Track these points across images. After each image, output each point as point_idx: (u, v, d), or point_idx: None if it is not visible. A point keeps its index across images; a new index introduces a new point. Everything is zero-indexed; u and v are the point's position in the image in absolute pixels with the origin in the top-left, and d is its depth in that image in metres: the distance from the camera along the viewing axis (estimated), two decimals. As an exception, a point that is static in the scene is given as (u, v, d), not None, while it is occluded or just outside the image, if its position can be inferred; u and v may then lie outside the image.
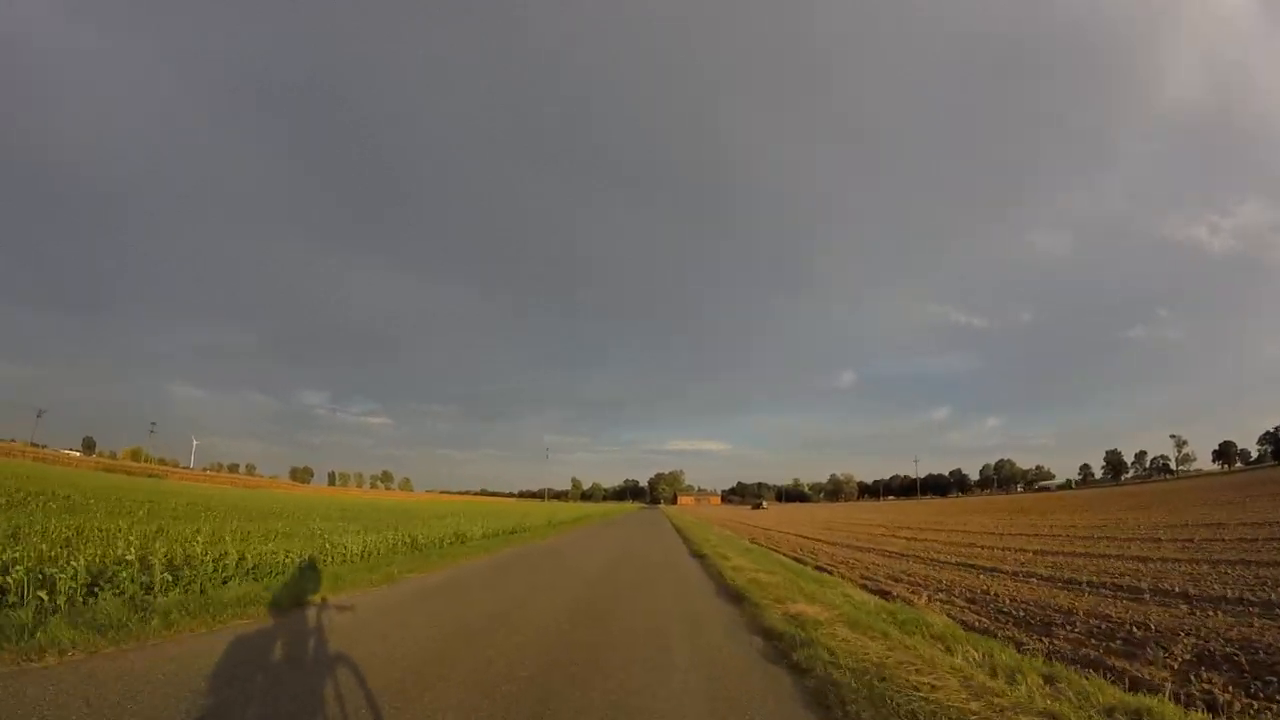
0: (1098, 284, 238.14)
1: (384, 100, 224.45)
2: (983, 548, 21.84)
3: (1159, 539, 20.97)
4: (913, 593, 11.78)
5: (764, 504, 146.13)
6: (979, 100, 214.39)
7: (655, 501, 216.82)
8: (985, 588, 12.72)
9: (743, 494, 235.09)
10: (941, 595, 11.74)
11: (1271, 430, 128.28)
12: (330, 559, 11.42)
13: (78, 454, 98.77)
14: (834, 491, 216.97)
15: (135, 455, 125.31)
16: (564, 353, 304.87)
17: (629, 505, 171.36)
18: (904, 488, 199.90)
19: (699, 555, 17.92)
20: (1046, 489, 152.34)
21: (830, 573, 15.23)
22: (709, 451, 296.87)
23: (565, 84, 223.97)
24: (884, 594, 11.72)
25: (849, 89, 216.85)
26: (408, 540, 15.39)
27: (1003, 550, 20.31)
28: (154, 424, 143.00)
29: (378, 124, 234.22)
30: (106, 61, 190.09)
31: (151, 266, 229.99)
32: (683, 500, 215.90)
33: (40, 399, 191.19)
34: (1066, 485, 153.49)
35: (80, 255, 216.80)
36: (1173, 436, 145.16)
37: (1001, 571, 15.30)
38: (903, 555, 20.59)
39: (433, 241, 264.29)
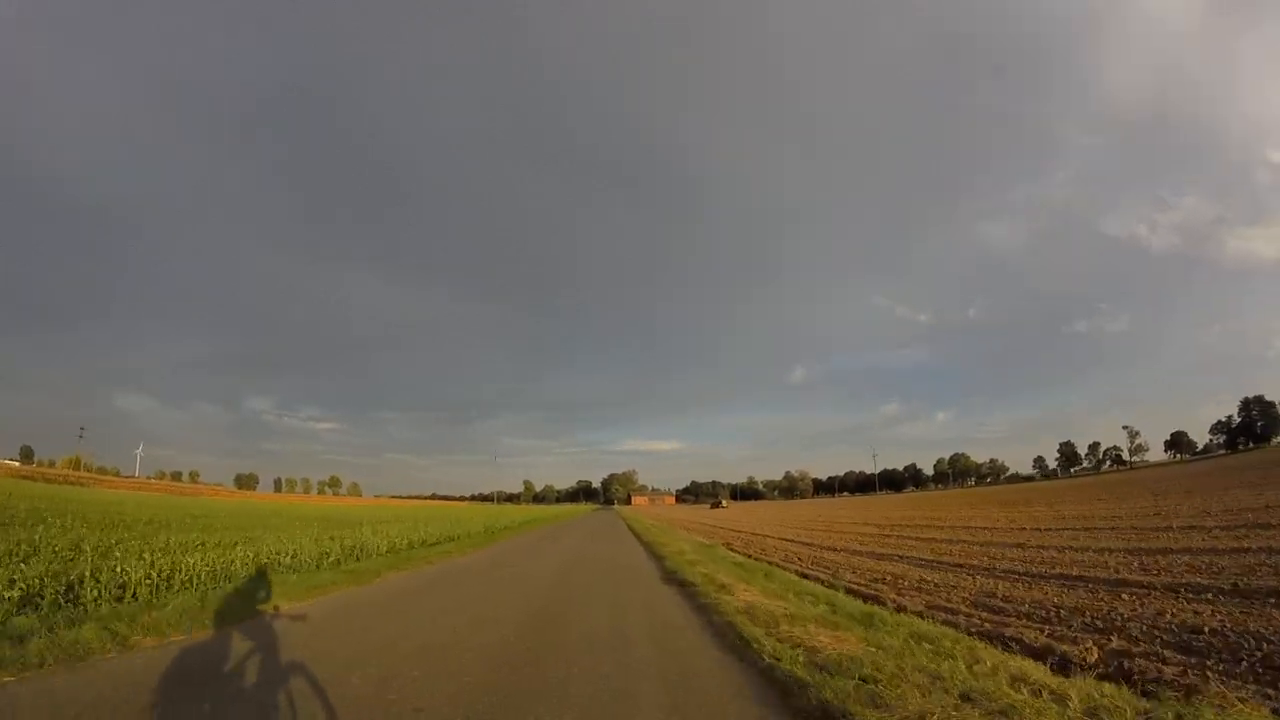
0: (1043, 279, 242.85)
1: (348, 103, 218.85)
2: (1044, 548, 17.36)
3: (1207, 526, 17.29)
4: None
5: (723, 503, 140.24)
6: (928, 98, 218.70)
7: (609, 502, 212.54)
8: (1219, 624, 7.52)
9: (697, 493, 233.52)
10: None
11: (1224, 419, 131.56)
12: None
13: (16, 463, 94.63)
14: (788, 489, 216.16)
15: (74, 464, 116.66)
16: (520, 356, 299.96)
17: (582, 507, 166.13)
18: (860, 483, 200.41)
19: (677, 579, 12.37)
20: (1017, 480, 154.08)
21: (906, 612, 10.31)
22: (662, 451, 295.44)
23: (534, 82, 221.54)
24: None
25: (804, 90, 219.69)
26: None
27: (1076, 552, 15.68)
28: (83, 429, 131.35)
29: (342, 127, 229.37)
30: (69, 64, 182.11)
31: (100, 275, 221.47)
32: (636, 500, 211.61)
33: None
34: (1029, 478, 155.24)
35: (29, 263, 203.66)
36: (1125, 428, 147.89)
37: (1184, 590, 9.78)
38: (971, 568, 14.85)
39: (387, 245, 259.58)
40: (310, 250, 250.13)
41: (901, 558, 17.41)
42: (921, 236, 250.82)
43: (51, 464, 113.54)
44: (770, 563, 16.77)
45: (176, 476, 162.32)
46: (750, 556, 18.51)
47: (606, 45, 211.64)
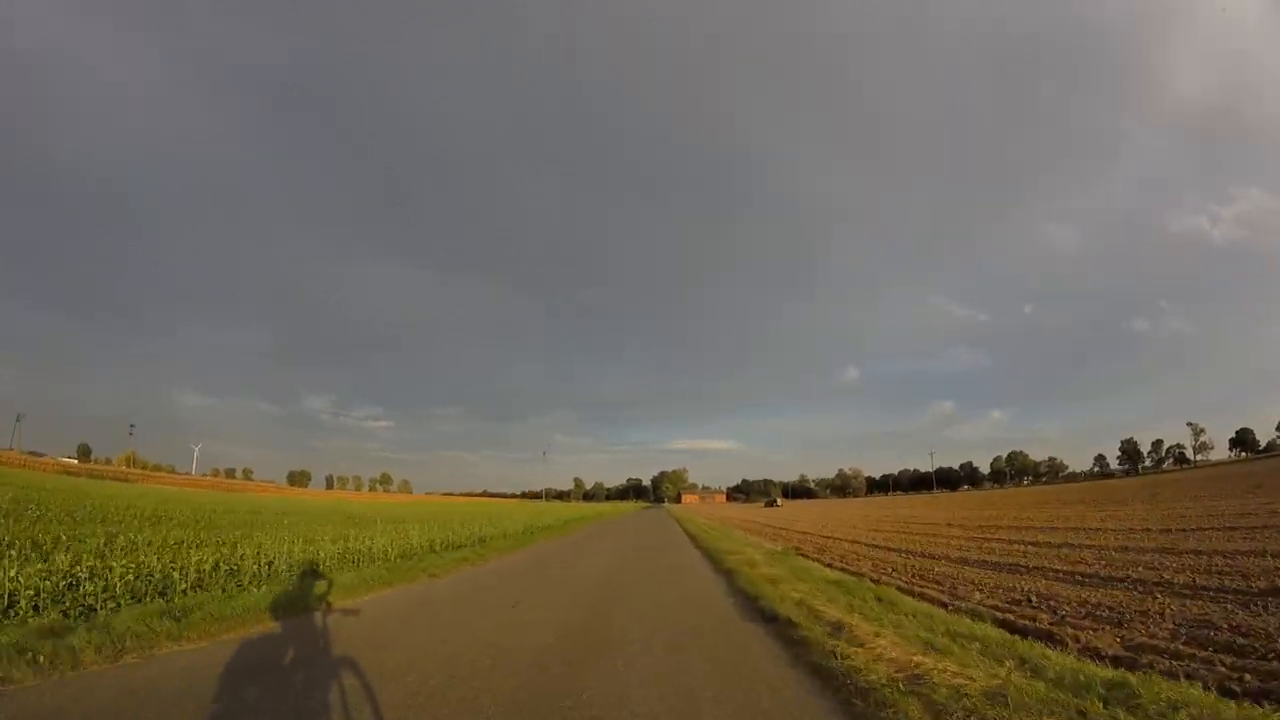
0: (1101, 277, 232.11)
1: (391, 99, 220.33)
2: (1201, 553, 14.38)
3: None
4: None
5: (777, 501, 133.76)
6: (986, 96, 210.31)
7: (659, 500, 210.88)
8: None
9: (748, 492, 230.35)
10: None
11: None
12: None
13: (75, 461, 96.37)
14: (841, 487, 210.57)
15: (129, 461, 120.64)
16: (572, 353, 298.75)
17: (631, 504, 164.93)
18: (913, 482, 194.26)
19: (760, 609, 9.15)
20: (1077, 479, 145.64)
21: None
22: (713, 450, 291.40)
23: (580, 86, 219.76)
24: None
25: (858, 89, 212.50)
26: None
27: (1258, 557, 12.84)
28: (133, 426, 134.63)
29: (386, 123, 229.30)
30: (111, 61, 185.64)
31: (155, 269, 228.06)
32: (687, 499, 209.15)
33: (39, 405, 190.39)
34: (1092, 476, 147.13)
35: (81, 256, 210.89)
36: (1189, 424, 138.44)
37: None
38: (1131, 582, 11.67)
39: (438, 241, 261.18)
40: (364, 245, 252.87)
41: (1026, 568, 14.60)
42: (979, 235, 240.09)
43: (108, 461, 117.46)
44: (866, 577, 14.33)
45: (230, 473, 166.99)
46: (834, 567, 16.20)
47: (645, 38, 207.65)
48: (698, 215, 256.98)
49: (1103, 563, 14.41)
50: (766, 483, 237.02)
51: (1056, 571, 13.85)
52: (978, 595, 11.22)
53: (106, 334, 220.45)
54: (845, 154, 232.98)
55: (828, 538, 27.68)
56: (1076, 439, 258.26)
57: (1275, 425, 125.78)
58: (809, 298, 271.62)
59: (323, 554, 11.94)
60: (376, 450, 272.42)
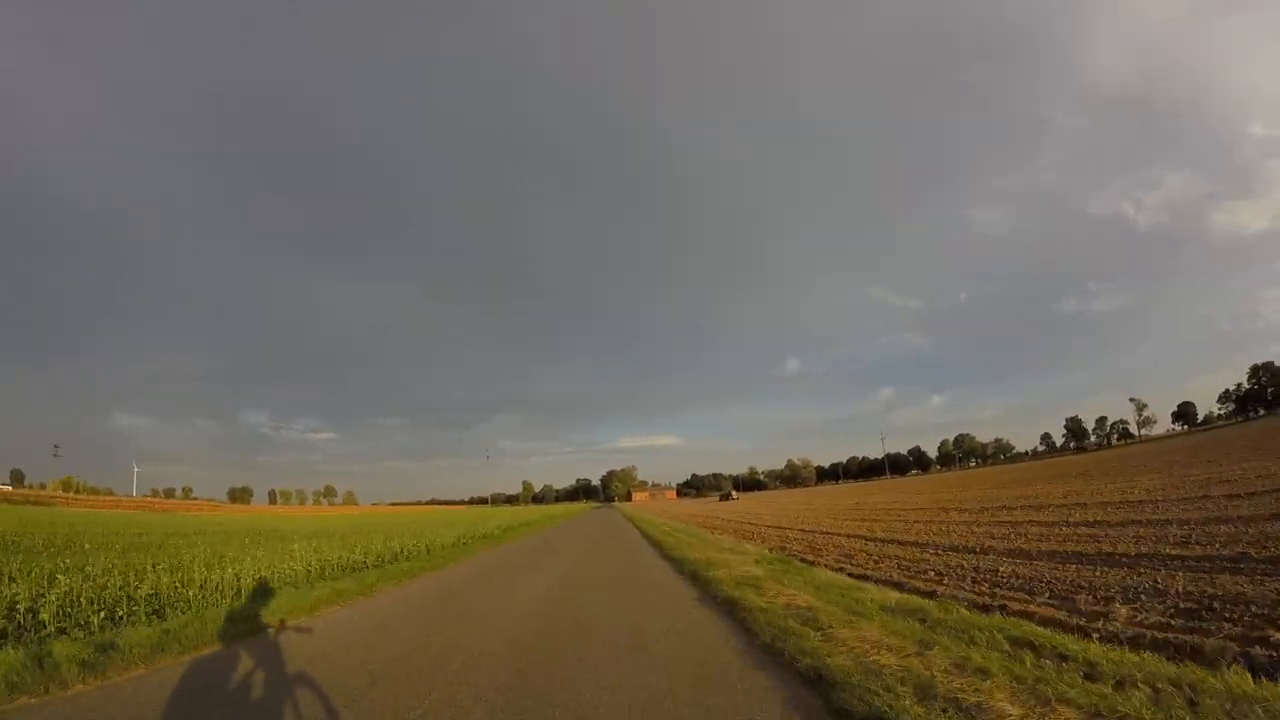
0: (1031, 261, 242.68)
1: (328, 111, 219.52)
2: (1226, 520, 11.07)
3: None
4: None
5: (732, 494, 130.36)
6: (912, 86, 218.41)
7: (609, 499, 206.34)
8: None
9: (699, 487, 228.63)
10: None
11: (1233, 388, 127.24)
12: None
13: (9, 488, 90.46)
14: (790, 478, 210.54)
15: (65, 486, 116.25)
16: (513, 359, 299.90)
17: (581, 505, 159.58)
18: (862, 469, 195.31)
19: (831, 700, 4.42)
20: (1022, 458, 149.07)
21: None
22: (660, 447, 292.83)
23: (514, 84, 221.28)
24: None
25: (787, 81, 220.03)
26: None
27: None
28: (57, 447, 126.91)
29: (322, 137, 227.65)
30: (45, 84, 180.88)
31: (90, 293, 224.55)
32: (637, 496, 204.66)
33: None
34: (1038, 454, 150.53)
35: (19, 282, 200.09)
36: (1132, 400, 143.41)
37: None
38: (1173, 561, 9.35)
39: (375, 253, 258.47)
40: (300, 258, 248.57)
41: (1080, 557, 11.09)
42: (911, 223, 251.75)
43: (42, 487, 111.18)
44: (902, 585, 10.02)
45: (170, 493, 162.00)
46: (878, 581, 11.52)
47: (589, 44, 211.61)
48: (636, 215, 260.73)
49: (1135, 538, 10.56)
50: (717, 477, 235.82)
51: (1118, 556, 9.88)
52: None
53: (37, 356, 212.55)
54: (779, 150, 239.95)
55: (810, 531, 23.41)
56: (1016, 419, 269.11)
57: (1216, 398, 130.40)
58: (748, 293, 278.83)
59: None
60: (322, 463, 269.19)
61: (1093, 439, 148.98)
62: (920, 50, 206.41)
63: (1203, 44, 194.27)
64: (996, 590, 9.22)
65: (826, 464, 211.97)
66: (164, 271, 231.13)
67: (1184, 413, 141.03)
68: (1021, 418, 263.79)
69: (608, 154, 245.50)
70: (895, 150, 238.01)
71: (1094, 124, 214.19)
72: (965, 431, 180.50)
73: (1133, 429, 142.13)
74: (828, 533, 22.32)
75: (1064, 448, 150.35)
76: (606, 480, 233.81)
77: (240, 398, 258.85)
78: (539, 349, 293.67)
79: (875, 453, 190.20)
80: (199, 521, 47.39)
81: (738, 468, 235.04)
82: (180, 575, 9.10)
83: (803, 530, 24.67)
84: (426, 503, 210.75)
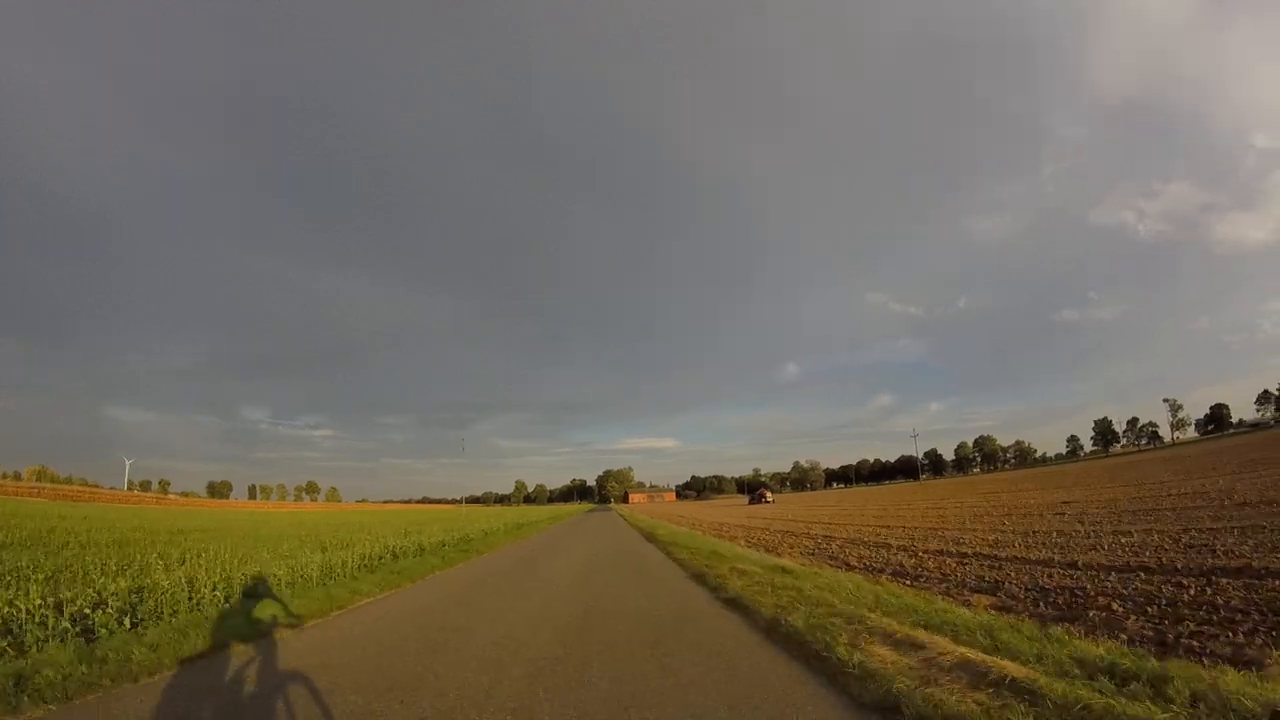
0: (1031, 270, 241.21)
1: (338, 113, 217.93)
2: None
3: None
4: None
5: (767, 496, 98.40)
6: (916, 96, 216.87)
7: (605, 501, 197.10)
8: None
9: (699, 489, 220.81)
10: None
11: (1275, 389, 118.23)
12: None
13: None
14: (799, 481, 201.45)
15: (40, 475, 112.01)
16: (514, 359, 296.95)
17: (576, 506, 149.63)
18: (874, 472, 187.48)
19: None
20: (1048, 462, 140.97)
21: None
22: (659, 449, 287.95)
23: (529, 97, 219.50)
24: None
25: (794, 89, 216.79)
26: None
27: None
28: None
29: (332, 133, 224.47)
30: (50, 79, 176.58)
31: (90, 285, 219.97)
32: (634, 498, 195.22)
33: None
34: (1062, 458, 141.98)
35: (17, 274, 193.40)
36: (1166, 401, 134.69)
37: None
38: None
39: (384, 252, 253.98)
40: (303, 255, 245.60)
41: None
42: (912, 231, 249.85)
43: (18, 476, 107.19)
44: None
45: (145, 486, 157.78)
46: None
47: (593, 46, 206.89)
48: (638, 218, 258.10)
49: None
50: (719, 479, 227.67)
51: None
52: None
53: (36, 349, 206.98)
54: (780, 155, 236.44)
55: (959, 553, 13.78)
56: (1011, 427, 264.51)
57: (1254, 399, 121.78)
58: (748, 297, 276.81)
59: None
60: (319, 460, 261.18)
61: (1123, 441, 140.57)
62: (922, 57, 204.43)
63: (1205, 56, 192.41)
64: None
65: (835, 466, 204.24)
66: (163, 268, 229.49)
67: (1217, 416, 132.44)
68: (1016, 426, 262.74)
69: (610, 156, 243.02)
70: (896, 157, 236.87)
71: (1095, 134, 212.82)
72: (962, 436, 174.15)
73: (1163, 431, 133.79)
74: (983, 553, 12.62)
75: (1091, 452, 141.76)
76: (603, 480, 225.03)
77: (239, 394, 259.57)
78: (540, 350, 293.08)
79: (874, 456, 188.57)
80: (150, 519, 38.75)
81: (739, 470, 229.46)
82: None
83: (930, 550, 14.95)
84: (419, 501, 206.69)
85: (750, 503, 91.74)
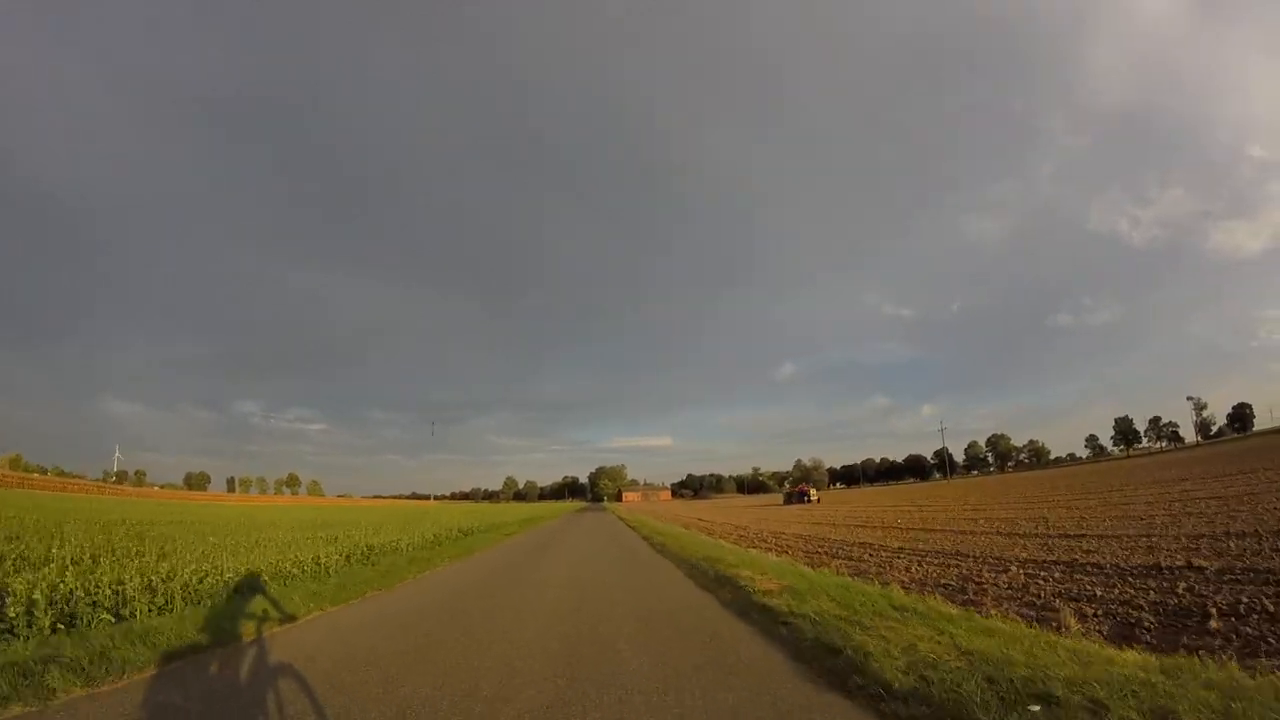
0: (1026, 273, 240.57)
1: (330, 115, 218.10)
2: None
3: None
4: None
5: (810, 494, 75.27)
6: (913, 96, 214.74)
7: (597, 499, 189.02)
8: None
9: (695, 488, 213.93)
10: None
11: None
12: None
13: None
14: (800, 480, 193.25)
15: (14, 464, 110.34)
16: (508, 355, 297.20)
17: (566, 505, 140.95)
18: (880, 472, 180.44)
19: None
20: (1063, 463, 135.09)
21: None
22: (653, 447, 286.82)
23: (520, 97, 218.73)
24: None
25: (789, 87, 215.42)
26: None
27: None
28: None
29: (328, 133, 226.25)
30: (48, 66, 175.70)
31: (81, 280, 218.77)
32: (627, 497, 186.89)
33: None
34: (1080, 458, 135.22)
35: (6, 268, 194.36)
36: (1190, 399, 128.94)
37: None
38: None
39: (379, 249, 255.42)
40: (296, 251, 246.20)
41: None
42: (908, 232, 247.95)
43: None
44: None
45: (123, 477, 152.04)
46: None
47: (587, 47, 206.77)
48: (632, 216, 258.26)
49: None
50: (716, 477, 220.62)
51: None
52: None
53: (26, 343, 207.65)
54: (774, 155, 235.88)
55: None
56: (1005, 430, 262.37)
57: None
58: (744, 296, 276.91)
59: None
60: (311, 454, 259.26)
61: (1144, 441, 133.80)
62: (917, 58, 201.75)
63: (1202, 64, 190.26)
64: None
65: (830, 466, 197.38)
66: (149, 263, 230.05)
67: (1241, 414, 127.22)
68: (1010, 428, 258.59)
69: (605, 156, 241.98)
70: (891, 158, 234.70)
71: (1091, 138, 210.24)
72: (950, 441, 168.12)
73: (1184, 431, 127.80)
74: None
75: (1115, 453, 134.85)
76: (595, 478, 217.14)
77: (232, 387, 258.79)
78: (534, 348, 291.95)
79: (876, 455, 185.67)
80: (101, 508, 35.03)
81: (734, 469, 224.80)
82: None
83: None
84: (407, 496, 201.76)
85: (786, 503, 74.57)
